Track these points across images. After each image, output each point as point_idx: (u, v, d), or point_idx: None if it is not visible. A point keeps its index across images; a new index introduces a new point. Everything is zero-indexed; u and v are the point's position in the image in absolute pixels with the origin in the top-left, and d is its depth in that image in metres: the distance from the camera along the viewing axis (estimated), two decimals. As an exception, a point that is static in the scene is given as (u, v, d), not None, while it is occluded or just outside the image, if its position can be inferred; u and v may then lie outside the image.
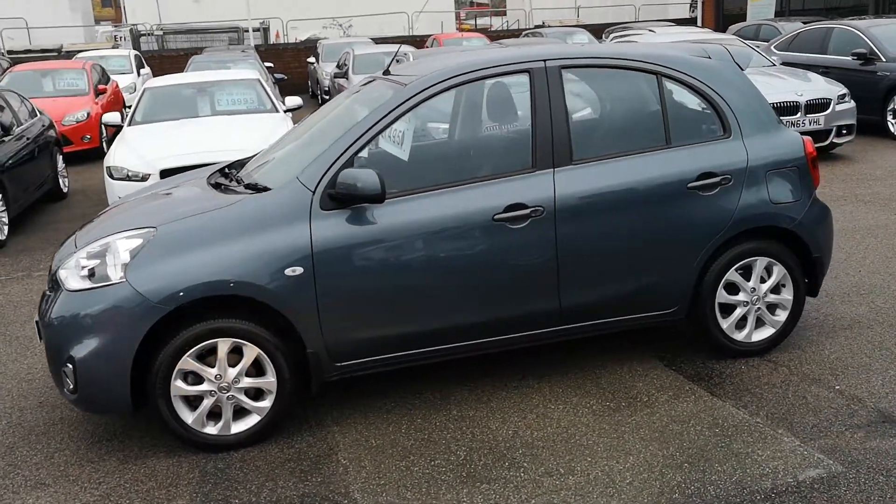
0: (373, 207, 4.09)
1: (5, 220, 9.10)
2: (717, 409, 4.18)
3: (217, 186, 4.55)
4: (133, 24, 31.41)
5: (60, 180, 11.44)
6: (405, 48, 16.80)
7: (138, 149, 8.79)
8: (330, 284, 4.02)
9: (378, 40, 24.90)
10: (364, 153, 4.29)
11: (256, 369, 4.08)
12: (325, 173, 4.08)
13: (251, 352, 4.02)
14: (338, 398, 4.57)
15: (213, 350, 4.00)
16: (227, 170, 4.99)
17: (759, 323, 4.75)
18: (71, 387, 3.96)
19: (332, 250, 4.01)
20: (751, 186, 4.51)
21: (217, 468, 3.95)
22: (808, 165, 4.65)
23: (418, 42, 25.73)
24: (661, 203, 4.38)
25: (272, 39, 31.81)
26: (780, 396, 4.27)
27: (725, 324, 4.66)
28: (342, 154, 4.11)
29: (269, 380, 4.07)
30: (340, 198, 4.01)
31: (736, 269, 4.60)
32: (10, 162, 9.37)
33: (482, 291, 4.24)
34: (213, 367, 4.01)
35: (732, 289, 4.64)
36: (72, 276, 4.00)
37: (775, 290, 4.72)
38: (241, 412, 4.13)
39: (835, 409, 4.12)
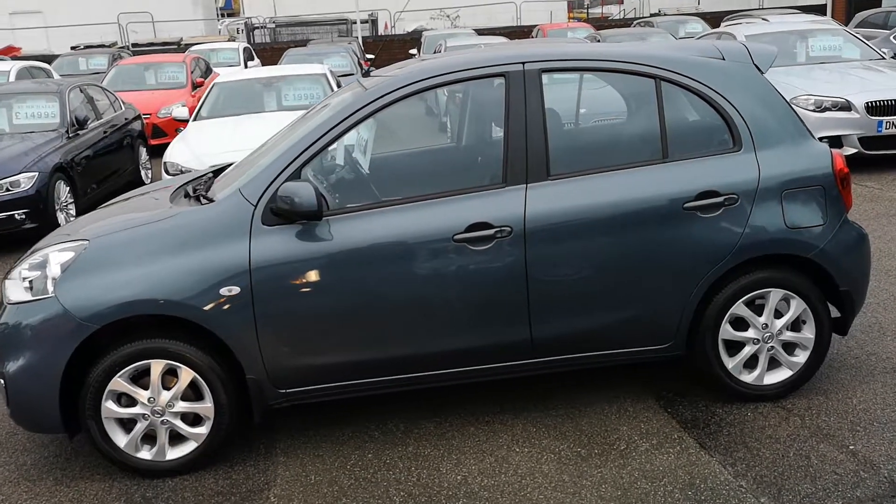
0: (321, 224, 3.75)
1: (73, 211, 9.27)
2: (700, 466, 3.64)
3: (185, 196, 4.31)
4: (248, 17, 32.14)
5: (142, 172, 11.63)
6: (490, 39, 16.36)
7: (194, 145, 8.76)
8: (270, 306, 3.71)
9: (483, 31, 24.49)
10: (323, 162, 3.97)
11: (196, 393, 3.82)
12: (269, 186, 3.76)
13: (186, 375, 3.76)
14: (296, 423, 4.27)
15: (149, 371, 3.76)
16: (206, 176, 4.75)
17: (774, 364, 4.16)
18: (6, 403, 3.82)
19: (272, 269, 3.70)
20: (762, 207, 3.92)
21: (144, 497, 3.71)
22: (835, 184, 4.02)
23: (524, 33, 25.20)
24: (651, 225, 3.86)
25: (380, 31, 31.90)
26: (780, 454, 3.69)
27: (731, 363, 4.09)
28: (288, 165, 3.79)
29: (206, 405, 3.80)
30: (280, 213, 3.69)
31: (745, 302, 4.02)
32: (82, 155, 9.50)
33: (442, 319, 3.84)
34: (147, 388, 3.77)
35: (741, 324, 4.07)
36: (14, 288, 3.83)
37: (795, 326, 4.12)
38: (179, 437, 3.88)
39: (838, 475, 3.51)
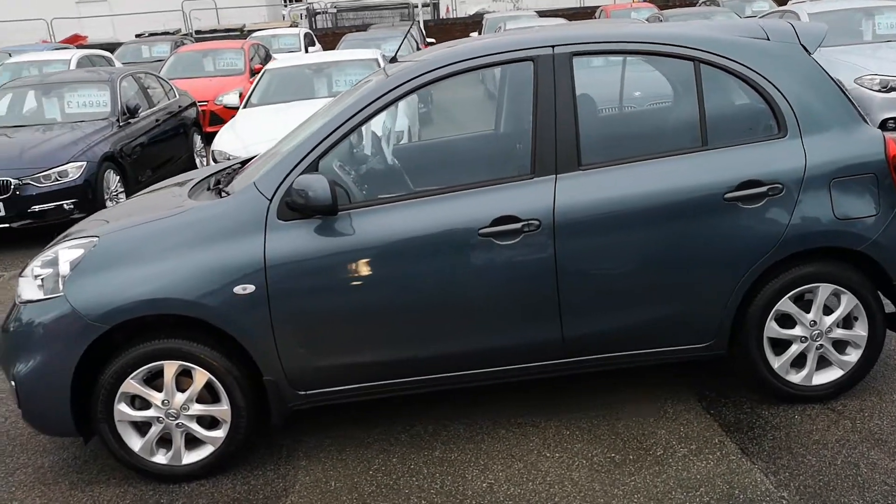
0: (341, 218, 3.58)
1: (124, 200, 9.23)
2: (740, 475, 3.40)
3: (207, 189, 4.17)
4: (310, 2, 31.98)
5: (196, 160, 11.59)
6: (550, 21, 16.04)
7: (242, 132, 8.64)
8: (287, 305, 3.55)
9: (546, 13, 23.96)
10: (344, 153, 3.79)
11: (213, 395, 3.68)
12: (285, 179, 3.60)
13: (201, 376, 3.62)
14: (324, 422, 4.12)
15: (162, 372, 3.63)
16: (233, 167, 4.60)
17: (823, 363, 3.89)
18: (17, 404, 3.71)
19: (288, 266, 3.53)
20: (809, 197, 3.65)
21: (159, 503, 3.58)
22: (889, 171, 3.73)
23: (587, 14, 24.65)
24: (688, 217, 3.61)
25: (442, 14, 31.52)
26: (827, 462, 3.44)
27: (777, 363, 3.84)
28: (305, 156, 3.62)
29: (223, 408, 3.66)
30: (295, 207, 3.52)
31: (791, 298, 3.76)
32: (133, 144, 9.49)
33: (467, 317, 3.65)
34: (161, 391, 3.63)
35: (787, 321, 3.81)
36: (27, 286, 3.72)
37: (846, 323, 3.85)
38: (195, 441, 3.74)
39: (889, 486, 3.25)
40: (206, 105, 13.47)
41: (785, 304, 3.76)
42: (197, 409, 3.66)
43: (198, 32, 27.35)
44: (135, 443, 3.69)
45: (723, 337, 3.79)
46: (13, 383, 3.66)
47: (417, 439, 3.91)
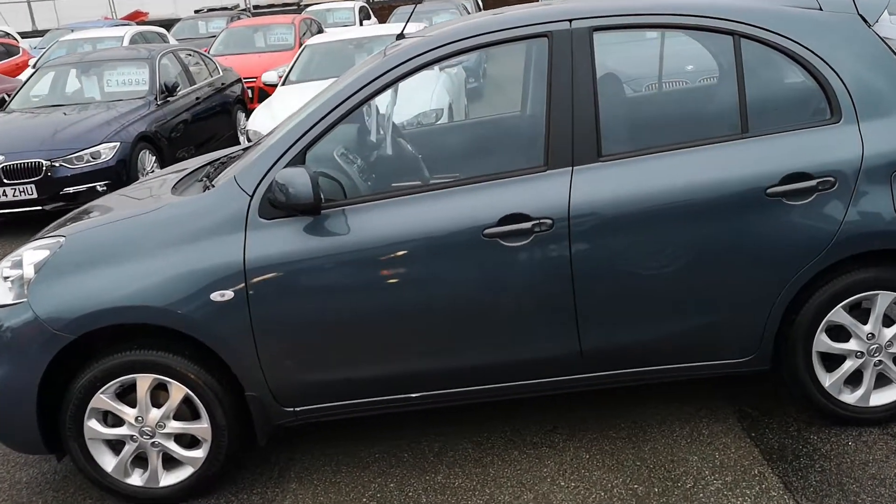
0: (331, 216, 3.19)
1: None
2: (780, 515, 2.95)
3: (199, 181, 3.81)
4: None
5: (240, 137, 11.33)
6: None
7: (277, 111, 8.33)
8: (269, 313, 3.18)
9: None
10: (335, 143, 3.41)
11: (193, 411, 3.34)
12: (267, 172, 3.22)
13: (177, 391, 3.28)
14: (320, 437, 3.76)
15: (136, 386, 3.29)
16: (232, 156, 4.24)
17: (882, 381, 3.40)
18: None
19: (271, 270, 3.16)
20: (866, 192, 3.15)
21: (134, 529, 3.27)
22: (964, 163, 3.21)
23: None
24: (725, 216, 3.15)
25: (503, -16, 30.85)
26: (883, 501, 2.96)
27: (828, 380, 3.36)
28: (290, 147, 3.24)
29: (202, 426, 3.32)
30: (276, 205, 3.14)
31: (845, 307, 3.28)
32: (171, 123, 9.25)
33: (472, 328, 3.24)
34: (134, 406, 3.30)
35: (840, 334, 3.33)
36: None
37: (911, 335, 3.35)
38: (174, 460, 3.41)
39: (960, 534, 2.77)
40: (253, 82, 13.17)
41: (838, 315, 3.27)
42: (174, 426, 3.33)
43: (256, 7, 27.10)
44: (108, 462, 3.37)
45: (765, 350, 3.32)
46: None
47: (421, 460, 3.52)
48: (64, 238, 3.32)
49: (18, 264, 3.35)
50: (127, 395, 3.32)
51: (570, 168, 3.17)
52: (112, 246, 3.25)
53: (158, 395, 3.31)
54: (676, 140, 3.23)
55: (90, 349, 3.33)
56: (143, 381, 3.26)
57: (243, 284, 3.15)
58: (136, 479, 3.40)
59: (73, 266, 3.23)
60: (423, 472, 3.44)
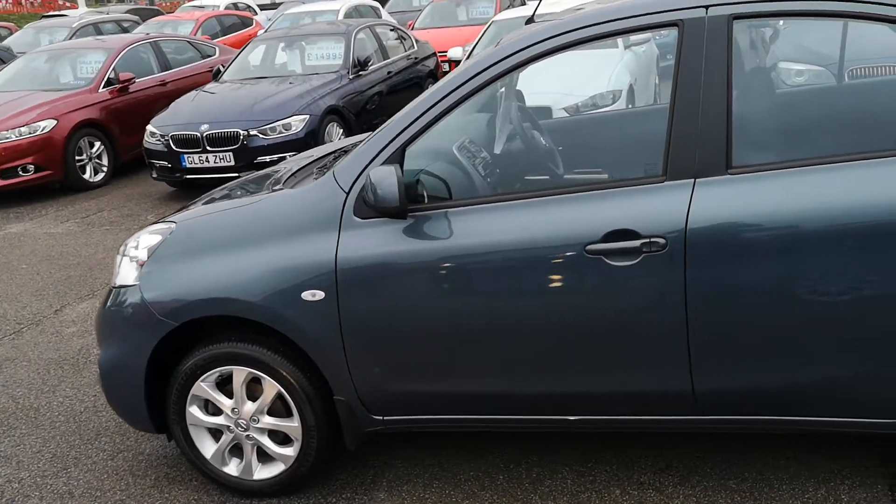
0: (432, 218, 2.98)
1: (347, 151, 9.30)
2: None
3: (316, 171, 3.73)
4: None
5: None
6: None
7: None
8: (358, 317, 3.04)
9: None
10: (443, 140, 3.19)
11: (286, 408, 3.28)
12: (364, 169, 3.05)
13: (270, 388, 3.24)
14: (422, 443, 3.60)
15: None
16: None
17: None
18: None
19: (361, 272, 3.01)
20: None
21: (223, 519, 3.29)
22: None
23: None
24: (886, 245, 2.58)
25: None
26: None
27: None
28: (388, 143, 3.03)
29: (293, 424, 3.26)
30: (367, 204, 2.97)
31: None
32: (361, 97, 9.46)
33: (570, 353, 2.93)
34: (231, 397, 3.31)
35: None
36: (125, 267, 3.50)
37: None
38: (268, 455, 3.38)
39: None
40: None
41: None
42: (267, 421, 3.29)
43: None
44: (208, 449, 3.40)
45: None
46: (98, 368, 3.52)
47: (515, 486, 3.28)
48: (175, 224, 3.36)
49: (138, 247, 3.44)
50: (226, 385, 3.32)
51: (692, 181, 2.74)
52: (215, 236, 3.24)
53: (254, 388, 3.28)
54: (826, 152, 2.70)
55: (204, 336, 3.35)
56: (239, 374, 3.25)
57: (334, 285, 3.02)
58: (233, 468, 3.40)
59: (180, 254, 3.26)
60: (513, 499, 3.19)
